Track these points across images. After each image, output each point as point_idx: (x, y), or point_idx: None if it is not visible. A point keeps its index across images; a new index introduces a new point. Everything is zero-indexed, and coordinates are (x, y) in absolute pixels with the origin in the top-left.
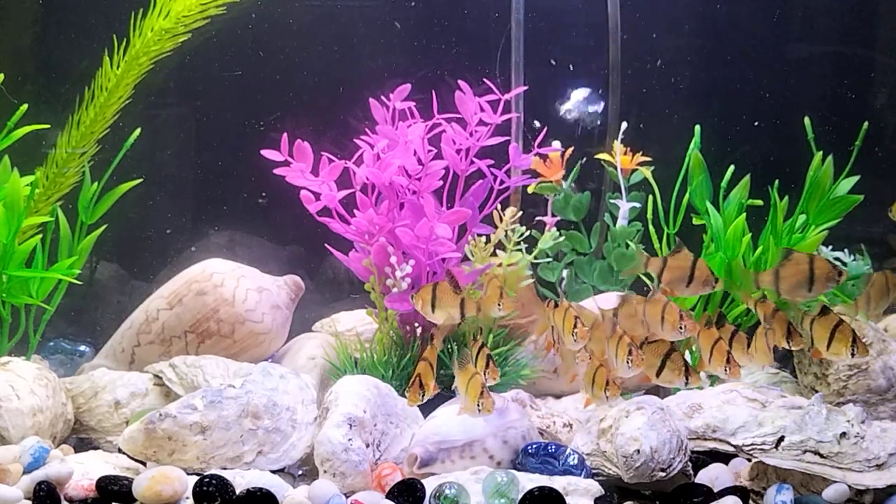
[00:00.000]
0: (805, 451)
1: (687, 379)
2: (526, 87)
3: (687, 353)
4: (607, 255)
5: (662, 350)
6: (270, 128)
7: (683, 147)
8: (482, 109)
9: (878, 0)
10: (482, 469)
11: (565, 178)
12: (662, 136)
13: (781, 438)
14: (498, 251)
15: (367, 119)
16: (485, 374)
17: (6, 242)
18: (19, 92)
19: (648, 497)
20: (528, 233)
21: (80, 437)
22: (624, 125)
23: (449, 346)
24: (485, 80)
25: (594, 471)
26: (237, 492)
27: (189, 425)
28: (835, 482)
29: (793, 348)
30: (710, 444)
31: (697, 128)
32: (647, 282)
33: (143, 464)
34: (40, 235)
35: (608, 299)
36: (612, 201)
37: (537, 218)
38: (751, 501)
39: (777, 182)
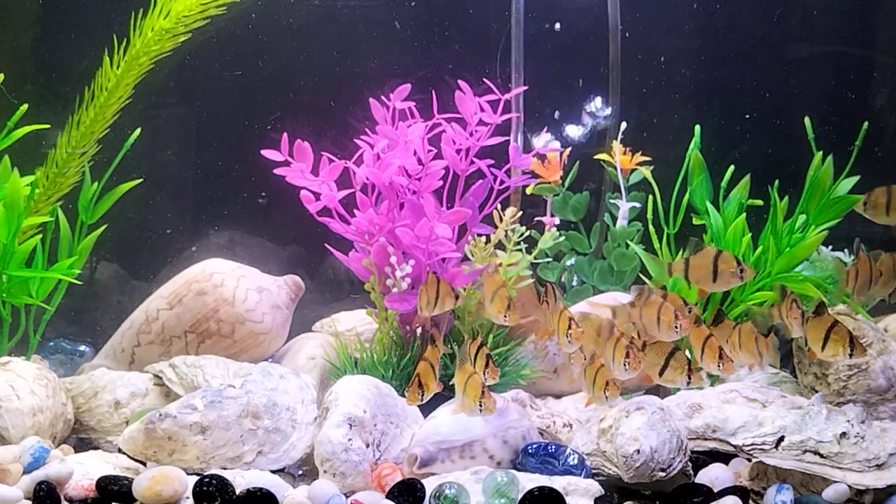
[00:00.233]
0: (805, 451)
1: (689, 378)
2: (526, 87)
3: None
4: (607, 255)
5: (665, 350)
6: (270, 128)
7: (683, 147)
8: (482, 109)
9: (878, 0)
10: (482, 469)
11: (564, 178)
12: (662, 136)
13: (781, 438)
14: (498, 251)
15: (367, 119)
16: (484, 373)
17: (6, 242)
18: (19, 92)
19: (648, 497)
20: (527, 233)
21: (80, 437)
22: (624, 125)
23: (451, 347)
24: (485, 80)
25: (594, 471)
26: (237, 492)
27: (189, 425)
28: (835, 482)
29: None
30: (710, 444)
31: (697, 128)
32: (647, 281)
33: (143, 464)
34: (40, 235)
35: (605, 299)
36: (611, 201)
37: (537, 218)
38: (751, 501)
39: (777, 182)
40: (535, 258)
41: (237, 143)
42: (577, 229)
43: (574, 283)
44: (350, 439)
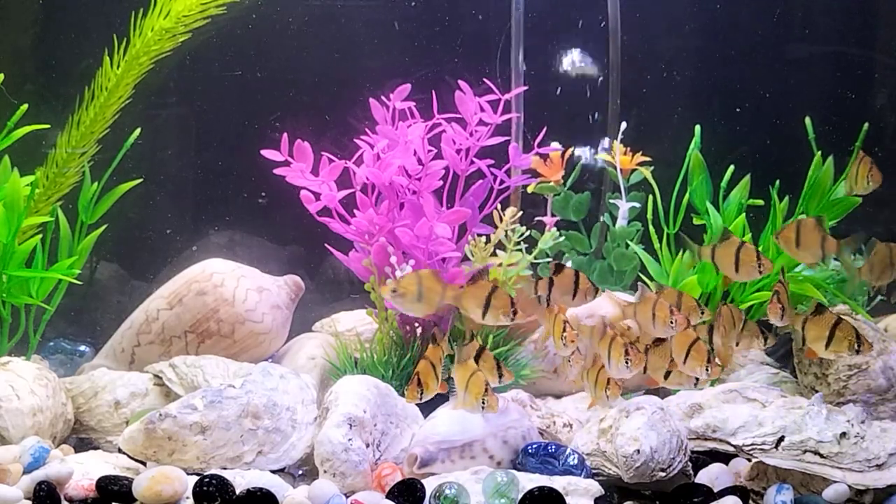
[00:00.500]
0: (805, 451)
1: (708, 369)
2: (526, 87)
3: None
4: (607, 255)
5: (687, 341)
6: (270, 128)
7: (683, 147)
8: (482, 109)
9: (878, 0)
10: (482, 469)
11: (566, 178)
12: (662, 136)
13: (781, 438)
14: (498, 251)
15: (367, 119)
16: (499, 375)
17: (6, 242)
18: (19, 92)
19: (648, 497)
20: (528, 233)
21: (80, 437)
22: (624, 125)
23: (451, 347)
24: (485, 80)
25: (594, 471)
26: (237, 492)
27: (189, 425)
28: (835, 482)
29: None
30: (710, 444)
31: (697, 128)
32: (647, 282)
33: (143, 464)
34: (40, 235)
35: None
36: (611, 201)
37: (537, 218)
38: (751, 501)
39: (777, 182)
40: (535, 258)
41: (237, 143)
42: (577, 229)
43: None
44: (350, 439)
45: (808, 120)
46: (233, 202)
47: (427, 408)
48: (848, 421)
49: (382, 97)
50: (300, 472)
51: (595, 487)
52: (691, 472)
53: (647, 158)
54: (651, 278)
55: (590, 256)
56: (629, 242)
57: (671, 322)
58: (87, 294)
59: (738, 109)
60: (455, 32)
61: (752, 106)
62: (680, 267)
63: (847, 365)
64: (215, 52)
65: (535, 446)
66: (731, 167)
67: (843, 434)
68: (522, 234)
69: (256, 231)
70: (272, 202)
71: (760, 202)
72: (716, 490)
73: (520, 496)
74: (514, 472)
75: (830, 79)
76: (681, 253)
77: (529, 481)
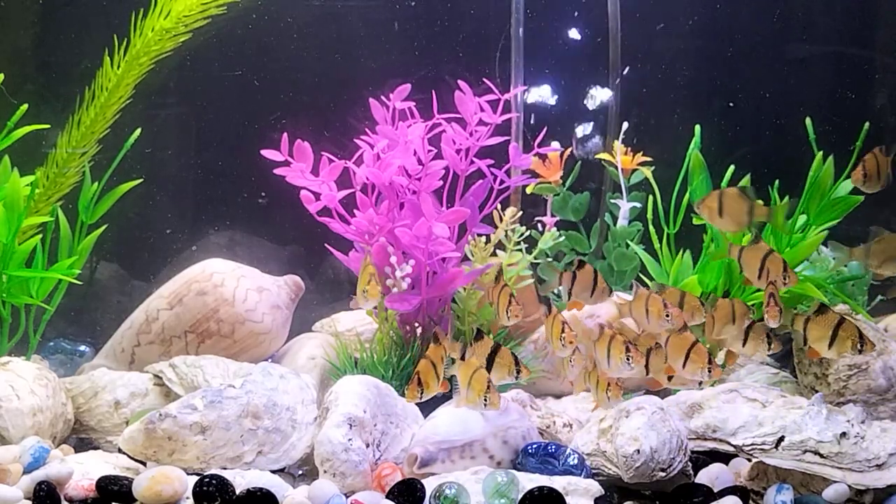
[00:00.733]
0: (805, 451)
1: (710, 371)
2: (526, 87)
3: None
4: (607, 255)
5: (686, 344)
6: (270, 128)
7: (683, 147)
8: (482, 109)
9: (878, 0)
10: (482, 469)
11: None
12: (662, 136)
13: (781, 438)
14: (498, 251)
15: (367, 119)
16: (517, 372)
17: (6, 242)
18: (19, 92)
19: (648, 497)
20: (528, 233)
21: (80, 437)
22: (625, 125)
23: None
24: (485, 80)
25: (594, 471)
26: (237, 492)
27: (189, 425)
28: (835, 482)
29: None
30: (710, 444)
31: (697, 128)
32: (647, 281)
33: (143, 464)
34: (40, 235)
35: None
36: (612, 201)
37: (537, 218)
38: (751, 501)
39: (777, 182)
40: (535, 258)
41: (237, 143)
42: (577, 229)
43: None
44: (350, 439)
45: (808, 120)
46: (233, 202)
47: (427, 408)
48: (848, 421)
49: (382, 97)
50: (300, 472)
51: (595, 487)
52: (691, 472)
53: (648, 158)
54: (651, 278)
55: (590, 256)
56: (629, 242)
57: (665, 315)
58: (87, 294)
59: (731, 104)
60: (455, 32)
61: (753, 106)
62: (680, 267)
63: (847, 365)
64: (215, 52)
65: (535, 446)
66: (731, 167)
67: (843, 434)
68: (522, 234)
69: (256, 231)
70: (272, 202)
71: (760, 202)
72: (716, 490)
73: (520, 496)
74: (514, 472)
75: (830, 79)
76: (681, 253)
77: (529, 481)
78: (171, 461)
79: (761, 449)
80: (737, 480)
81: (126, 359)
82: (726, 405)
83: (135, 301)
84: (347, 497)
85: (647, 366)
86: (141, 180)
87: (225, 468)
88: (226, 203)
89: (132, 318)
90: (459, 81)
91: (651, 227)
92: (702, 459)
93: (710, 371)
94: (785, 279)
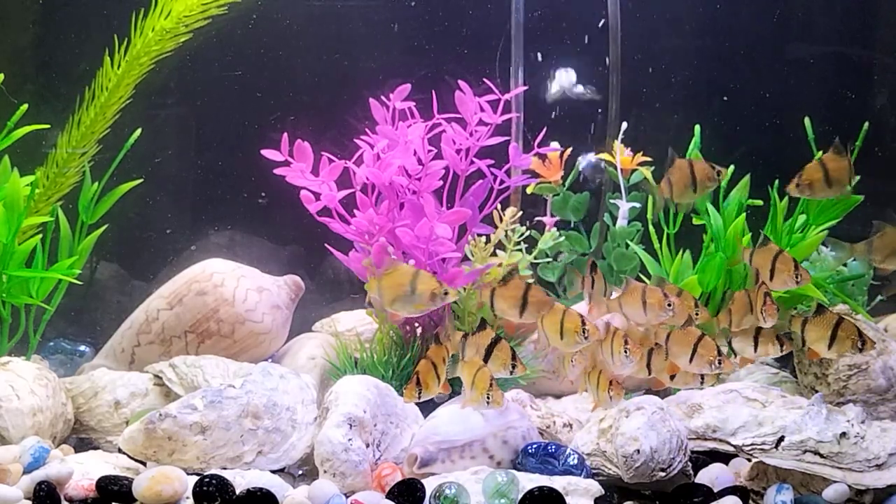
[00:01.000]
0: (805, 451)
1: (720, 363)
2: (526, 87)
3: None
4: (607, 256)
5: (692, 338)
6: (270, 128)
7: (683, 147)
8: (482, 109)
9: (878, 0)
10: (482, 469)
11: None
12: (662, 136)
13: (781, 438)
14: (498, 251)
15: (367, 119)
16: (512, 367)
17: (6, 242)
18: (19, 92)
19: (648, 497)
20: (528, 233)
21: (80, 437)
22: (624, 125)
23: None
24: (485, 80)
25: (594, 471)
26: (237, 492)
27: (189, 425)
28: (835, 482)
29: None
30: (710, 444)
31: (697, 128)
32: (646, 280)
33: (143, 464)
34: (40, 235)
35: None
36: (611, 201)
37: (537, 218)
38: (751, 501)
39: (777, 182)
40: (535, 258)
41: (237, 143)
42: (577, 229)
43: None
44: (350, 439)
45: (807, 120)
46: (233, 202)
47: (427, 408)
48: (848, 421)
49: (382, 97)
50: (300, 472)
51: (595, 487)
52: (691, 472)
53: (648, 158)
54: (651, 278)
55: (589, 256)
56: (629, 242)
57: (667, 305)
58: (87, 294)
59: (725, 97)
60: (455, 32)
61: (752, 106)
62: (680, 267)
63: (847, 365)
64: (215, 52)
65: (535, 446)
66: (731, 167)
67: (843, 434)
68: (522, 234)
69: (256, 231)
70: (272, 202)
71: (760, 202)
72: (716, 490)
73: (520, 496)
74: (514, 472)
75: (830, 79)
76: (681, 253)
77: (529, 481)
78: (171, 461)
79: (761, 449)
80: (737, 480)
81: (126, 359)
82: (726, 405)
83: (135, 301)
84: (347, 497)
85: (648, 365)
86: (141, 180)
87: (225, 468)
88: (226, 203)
89: (132, 318)
90: (459, 81)
91: (651, 227)
92: (702, 459)
93: (720, 363)
94: (797, 278)
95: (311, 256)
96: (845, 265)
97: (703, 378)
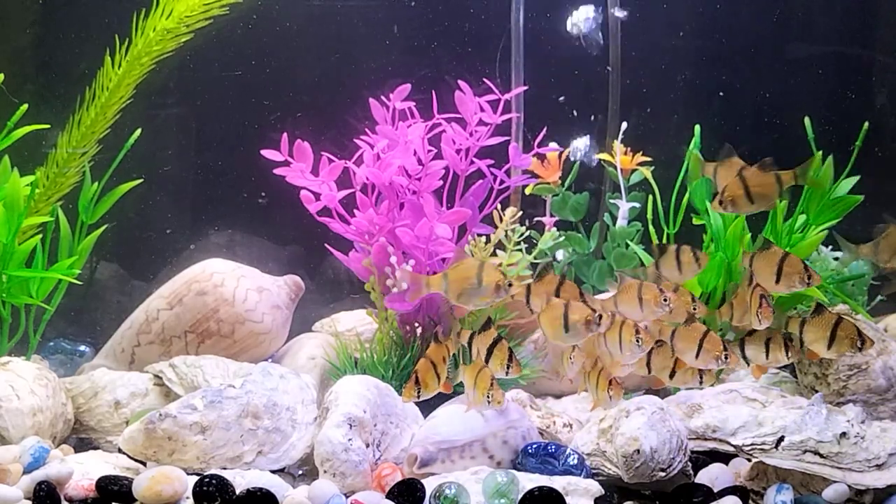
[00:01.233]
0: (805, 451)
1: (726, 359)
2: (526, 87)
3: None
4: (607, 256)
5: (698, 334)
6: (270, 128)
7: (683, 147)
8: (482, 109)
9: (878, 0)
10: (482, 469)
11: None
12: (662, 136)
13: (781, 438)
14: (498, 251)
15: (367, 119)
16: (508, 367)
17: (6, 242)
18: (19, 92)
19: (648, 497)
20: (527, 233)
21: (80, 437)
22: (624, 125)
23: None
24: (485, 80)
25: (594, 471)
26: (237, 492)
27: (189, 425)
28: (835, 482)
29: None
30: (710, 444)
31: (697, 128)
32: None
33: (143, 464)
34: (40, 235)
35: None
36: (611, 201)
37: (537, 218)
38: (751, 501)
39: None
40: (535, 258)
41: (237, 143)
42: (577, 229)
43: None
44: (350, 439)
45: (807, 120)
46: (233, 202)
47: (427, 408)
48: (848, 421)
49: (382, 97)
50: (300, 472)
51: (595, 487)
52: (691, 472)
53: (648, 158)
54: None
55: (589, 256)
56: (629, 242)
57: (664, 300)
58: (87, 294)
59: (726, 98)
60: (455, 32)
61: (752, 106)
62: None
63: (847, 365)
64: (215, 52)
65: (535, 446)
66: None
67: (843, 434)
68: (522, 234)
69: (256, 231)
70: (272, 202)
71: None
72: (716, 490)
73: (520, 496)
74: (514, 472)
75: (830, 79)
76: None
77: (529, 481)
78: (171, 461)
79: (761, 449)
80: (737, 480)
81: (126, 359)
82: (726, 405)
83: (135, 301)
84: (347, 497)
85: (648, 364)
86: (141, 180)
87: (225, 468)
88: (226, 203)
89: (132, 318)
90: (459, 81)
91: (651, 227)
92: (702, 459)
93: (726, 357)
94: (808, 279)
95: (311, 256)
96: (854, 262)
97: (702, 378)
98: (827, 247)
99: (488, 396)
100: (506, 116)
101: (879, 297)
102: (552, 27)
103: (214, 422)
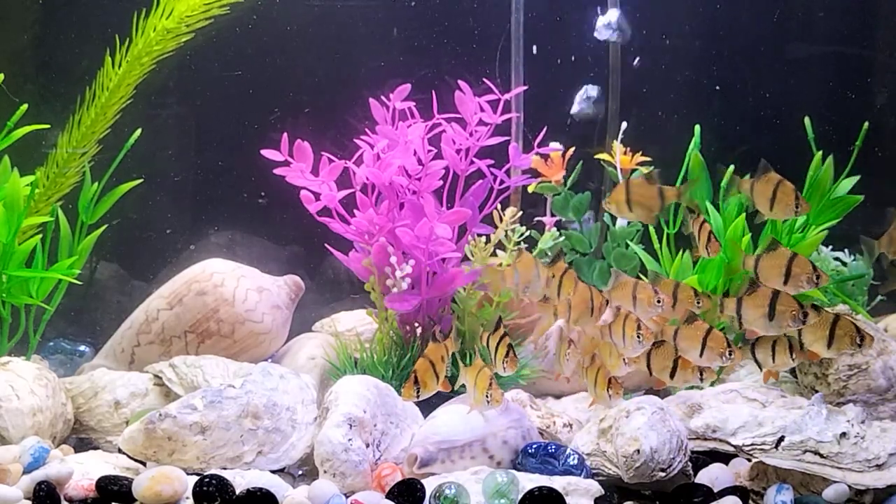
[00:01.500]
0: (805, 451)
1: (730, 356)
2: (526, 87)
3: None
4: (607, 255)
5: (701, 332)
6: (270, 128)
7: (683, 147)
8: (482, 109)
9: (878, 0)
10: (482, 469)
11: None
12: (662, 136)
13: (781, 438)
14: (498, 251)
15: (367, 119)
16: (504, 363)
17: (6, 242)
18: (19, 92)
19: (648, 497)
20: (527, 233)
21: (80, 437)
22: (624, 125)
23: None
24: (485, 80)
25: (594, 471)
26: (237, 492)
27: (189, 425)
28: (835, 482)
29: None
30: (710, 444)
31: (697, 128)
32: (643, 278)
33: (143, 464)
34: (40, 235)
35: None
36: None
37: (537, 218)
38: (751, 501)
39: None
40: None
41: (237, 143)
42: (576, 229)
43: None
44: (350, 439)
45: (807, 120)
46: (233, 202)
47: (427, 407)
48: (848, 421)
49: (382, 97)
50: (300, 472)
51: (595, 487)
52: (691, 472)
53: (648, 158)
54: (647, 274)
55: (589, 256)
56: (629, 242)
57: (657, 301)
58: (87, 294)
59: (726, 98)
60: (455, 32)
61: (752, 106)
62: (680, 266)
63: (847, 365)
64: (215, 52)
65: (535, 446)
66: (731, 167)
67: (843, 434)
68: (522, 234)
69: (256, 231)
70: (272, 202)
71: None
72: (716, 490)
73: (520, 496)
74: (514, 472)
75: (830, 79)
76: (680, 253)
77: (529, 481)
78: (171, 461)
79: (761, 449)
80: (737, 480)
81: (126, 359)
82: (726, 405)
83: (135, 301)
84: (347, 497)
85: (648, 364)
86: (141, 180)
87: (225, 468)
88: (226, 203)
89: (132, 318)
90: (459, 81)
91: (651, 228)
92: (702, 459)
93: (730, 354)
94: (817, 279)
95: (311, 256)
96: (845, 265)
97: (702, 377)
98: (827, 247)
99: (487, 396)
100: (506, 116)
101: (879, 297)
102: (552, 27)
103: (214, 422)
